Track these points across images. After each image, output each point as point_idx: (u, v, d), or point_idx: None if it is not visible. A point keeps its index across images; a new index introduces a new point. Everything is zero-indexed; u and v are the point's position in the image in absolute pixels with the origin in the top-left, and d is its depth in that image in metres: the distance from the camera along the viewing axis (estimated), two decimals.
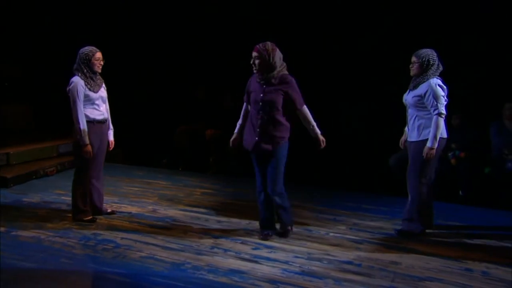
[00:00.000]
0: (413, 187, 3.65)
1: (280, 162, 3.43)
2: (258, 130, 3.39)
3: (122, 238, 3.46)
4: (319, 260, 3.18)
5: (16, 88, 6.31)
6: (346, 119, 5.88)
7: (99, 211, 3.95)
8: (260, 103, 3.37)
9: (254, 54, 3.36)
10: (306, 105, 3.48)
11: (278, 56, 3.37)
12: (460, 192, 4.88)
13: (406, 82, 5.04)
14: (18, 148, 5.36)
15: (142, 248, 3.29)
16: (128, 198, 4.57)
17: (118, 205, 4.29)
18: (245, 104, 3.60)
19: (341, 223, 4.02)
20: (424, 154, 3.55)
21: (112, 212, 4.03)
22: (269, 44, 3.37)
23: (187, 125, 6.34)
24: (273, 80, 3.35)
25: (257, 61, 3.35)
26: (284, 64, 3.44)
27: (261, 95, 3.36)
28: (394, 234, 3.72)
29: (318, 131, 3.50)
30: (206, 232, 3.65)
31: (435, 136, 3.50)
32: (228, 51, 6.08)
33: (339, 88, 5.95)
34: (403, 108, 5.51)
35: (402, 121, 5.42)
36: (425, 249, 3.43)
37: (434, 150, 3.52)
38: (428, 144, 3.53)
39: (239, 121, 3.64)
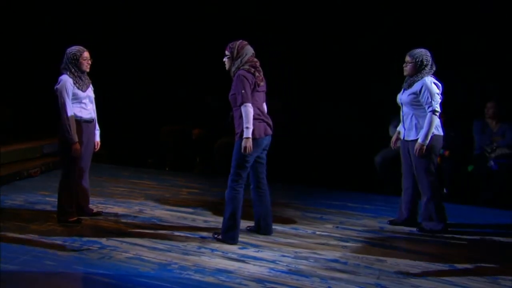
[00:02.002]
0: (426, 186, 3.67)
1: (233, 156, 3.38)
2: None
3: (108, 239, 3.45)
4: (306, 258, 3.21)
5: (3, 88, 6.23)
6: (330, 119, 5.93)
7: (84, 211, 3.93)
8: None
9: (226, 52, 3.41)
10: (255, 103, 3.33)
11: (244, 53, 3.36)
12: (444, 190, 4.95)
13: (396, 82, 5.07)
14: (1, 149, 5.26)
15: (128, 249, 3.28)
16: (114, 198, 4.55)
17: (104, 205, 4.27)
18: None
19: (327, 221, 4.06)
20: (415, 150, 3.59)
21: (98, 213, 4.01)
22: (237, 42, 3.40)
23: (172, 125, 6.33)
24: (232, 77, 3.41)
25: (225, 59, 3.42)
26: (253, 60, 3.38)
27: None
28: (379, 232, 3.77)
29: (244, 134, 3.26)
30: (193, 232, 3.66)
31: (427, 133, 3.55)
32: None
33: (328, 88, 5.98)
34: (387, 108, 5.57)
35: (387, 120, 5.49)
36: (410, 247, 3.50)
37: (425, 147, 3.56)
38: (420, 140, 3.57)
39: None
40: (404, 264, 3.17)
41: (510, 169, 4.76)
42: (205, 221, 3.94)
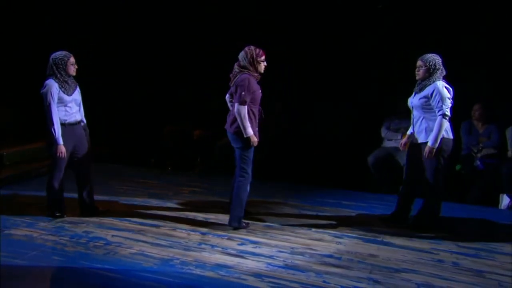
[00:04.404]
0: (430, 186, 3.73)
1: None
2: (257, 122, 3.81)
3: (112, 236, 3.54)
4: (302, 254, 3.30)
5: (7, 89, 6.32)
6: (326, 119, 6.00)
7: (90, 209, 4.05)
8: (260, 100, 3.75)
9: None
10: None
11: None
12: None
13: (394, 83, 5.11)
14: (12, 149, 5.39)
15: (132, 245, 3.37)
16: (119, 196, 4.64)
17: (109, 203, 4.36)
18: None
19: (322, 218, 4.16)
20: (425, 153, 3.65)
21: (103, 211, 4.11)
22: None
23: (173, 125, 6.42)
24: None
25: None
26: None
27: (260, 91, 3.76)
28: (372, 229, 3.86)
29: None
30: (194, 229, 3.75)
31: (436, 136, 3.59)
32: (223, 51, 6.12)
33: (320, 89, 6.05)
34: (382, 109, 5.67)
35: (381, 121, 5.58)
36: (401, 242, 3.59)
37: (435, 150, 3.61)
38: (429, 143, 3.62)
39: (250, 124, 3.70)
40: (395, 259, 3.27)
41: (495, 169, 4.87)
42: (206, 219, 4.02)
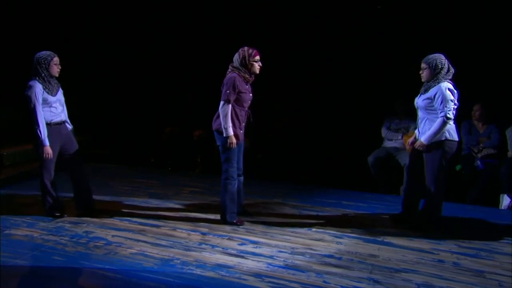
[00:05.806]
0: (431, 186, 3.72)
1: None
2: (243, 124, 3.79)
3: (113, 236, 3.55)
4: (302, 254, 3.30)
5: (7, 89, 6.31)
6: (326, 119, 6.01)
7: (88, 208, 4.05)
8: (249, 102, 3.75)
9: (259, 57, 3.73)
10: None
11: None
12: None
13: (394, 83, 5.09)
14: (12, 149, 5.39)
15: (132, 245, 3.37)
16: (119, 196, 4.66)
17: (109, 203, 4.37)
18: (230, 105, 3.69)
19: (322, 219, 4.16)
20: (415, 145, 3.68)
21: (103, 211, 4.11)
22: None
23: (174, 126, 6.43)
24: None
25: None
26: None
27: (251, 94, 3.75)
28: (372, 229, 3.87)
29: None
30: (194, 229, 3.75)
31: (432, 135, 3.60)
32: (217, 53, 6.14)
33: (320, 88, 6.06)
34: (378, 109, 5.68)
35: (379, 121, 5.59)
36: (401, 242, 3.60)
37: (425, 147, 3.64)
38: (423, 139, 3.64)
39: (231, 123, 3.69)
40: (396, 259, 3.27)
41: (495, 169, 4.88)
42: (206, 219, 4.02)
